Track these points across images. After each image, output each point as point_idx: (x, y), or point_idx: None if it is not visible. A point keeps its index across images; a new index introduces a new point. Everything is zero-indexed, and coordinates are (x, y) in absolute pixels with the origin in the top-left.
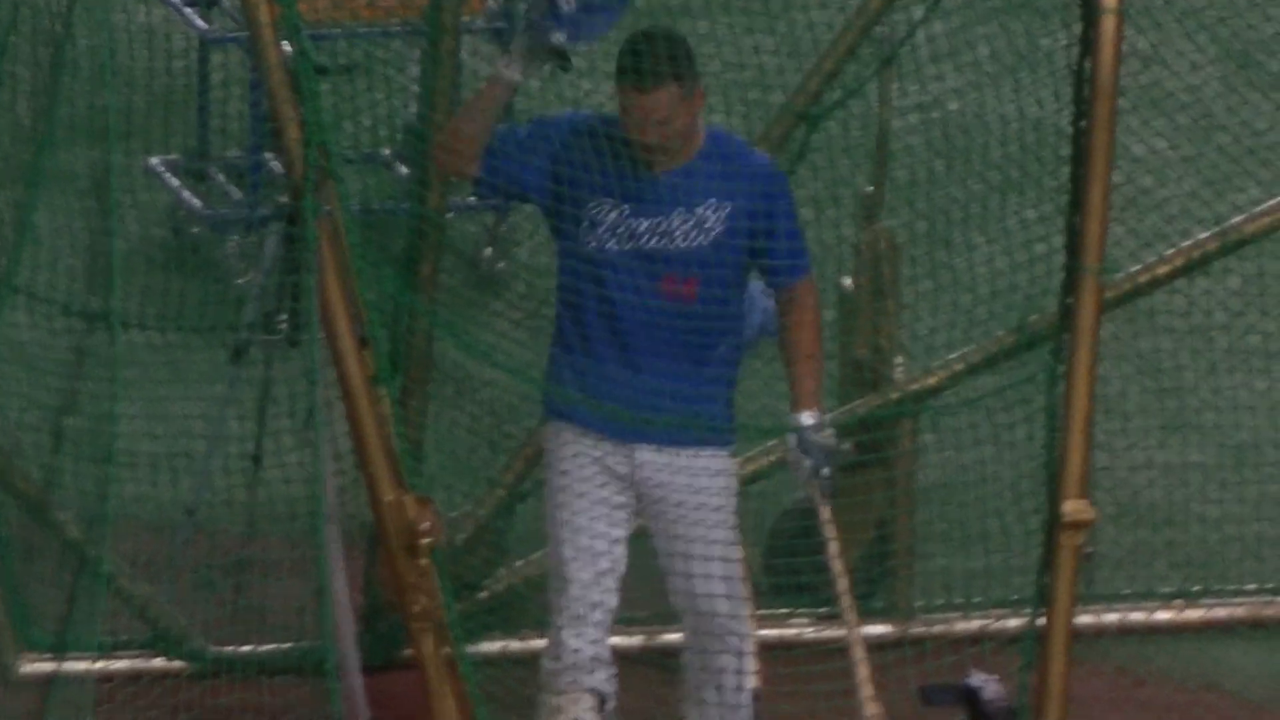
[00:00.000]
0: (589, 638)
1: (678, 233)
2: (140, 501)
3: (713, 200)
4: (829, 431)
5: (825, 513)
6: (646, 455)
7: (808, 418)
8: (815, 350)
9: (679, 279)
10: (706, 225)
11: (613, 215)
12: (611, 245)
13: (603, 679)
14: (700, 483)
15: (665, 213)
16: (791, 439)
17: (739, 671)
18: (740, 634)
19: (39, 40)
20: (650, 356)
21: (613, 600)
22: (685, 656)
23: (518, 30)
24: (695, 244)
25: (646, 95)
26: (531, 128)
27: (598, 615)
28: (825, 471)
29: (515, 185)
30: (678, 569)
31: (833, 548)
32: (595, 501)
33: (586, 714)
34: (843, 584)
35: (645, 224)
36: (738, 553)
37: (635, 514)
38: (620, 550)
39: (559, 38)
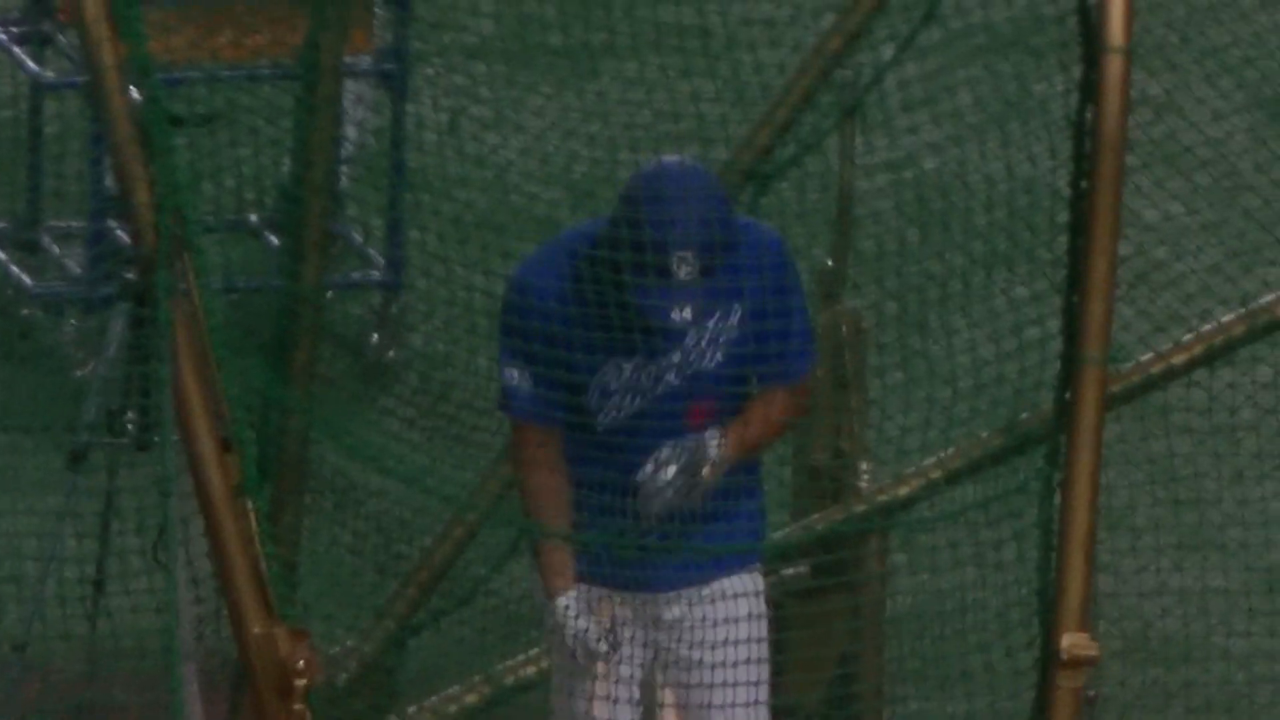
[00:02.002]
0: None
1: (692, 355)
2: None
3: (718, 305)
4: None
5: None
6: (676, 610)
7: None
8: (755, 445)
9: (704, 405)
10: (720, 338)
11: (626, 374)
12: (632, 404)
13: None
14: (730, 610)
15: (680, 340)
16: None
17: None
18: None
19: None
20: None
21: None
22: None
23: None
24: (713, 361)
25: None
26: (507, 342)
27: None
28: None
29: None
30: (695, 701)
31: None
32: (614, 685)
33: None
34: None
35: (662, 364)
36: (765, 685)
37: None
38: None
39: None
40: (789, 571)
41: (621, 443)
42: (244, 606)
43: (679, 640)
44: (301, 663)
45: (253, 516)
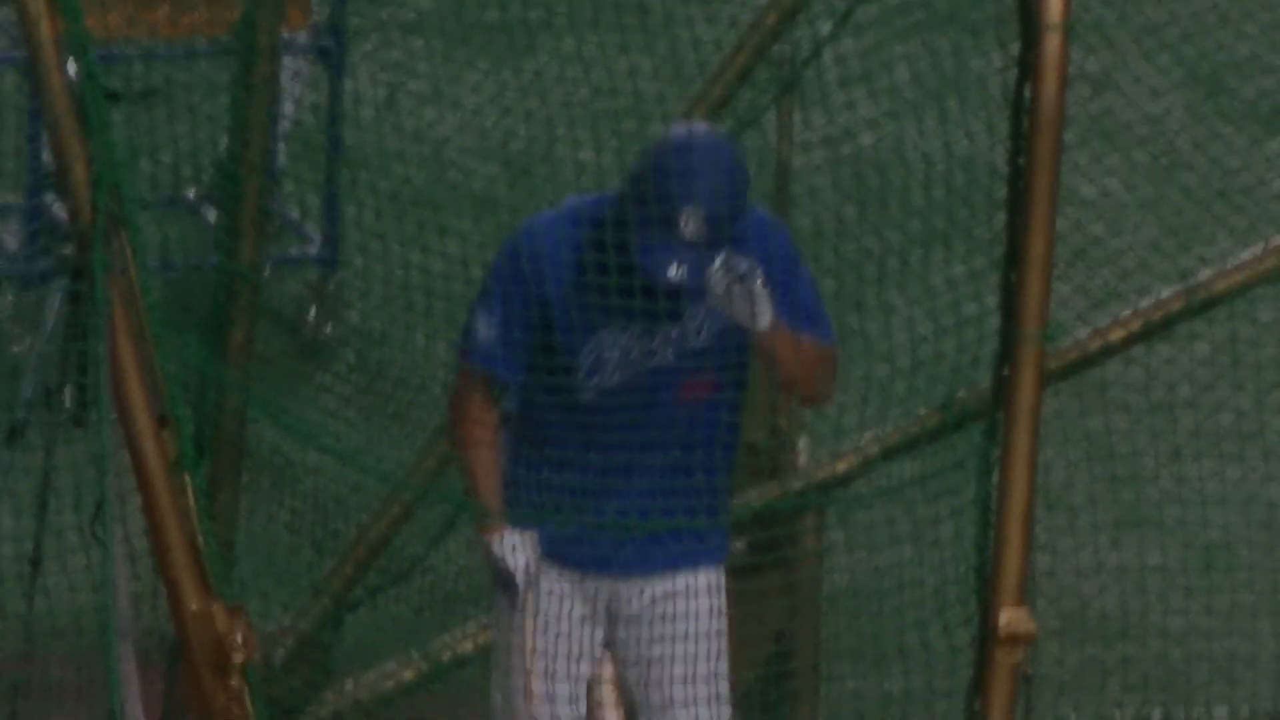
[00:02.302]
0: None
1: (690, 331)
2: None
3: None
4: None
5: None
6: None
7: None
8: (809, 362)
9: (697, 381)
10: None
11: (620, 346)
12: (617, 378)
13: None
14: (692, 606)
15: (679, 313)
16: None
17: None
18: None
19: None
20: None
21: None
22: None
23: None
24: (707, 341)
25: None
26: (496, 287)
27: None
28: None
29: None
30: (654, 700)
31: None
32: (561, 676)
33: None
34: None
35: (659, 338)
36: (725, 679)
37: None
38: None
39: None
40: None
41: (602, 421)
42: (181, 583)
43: (639, 639)
44: (238, 639)
45: (190, 493)
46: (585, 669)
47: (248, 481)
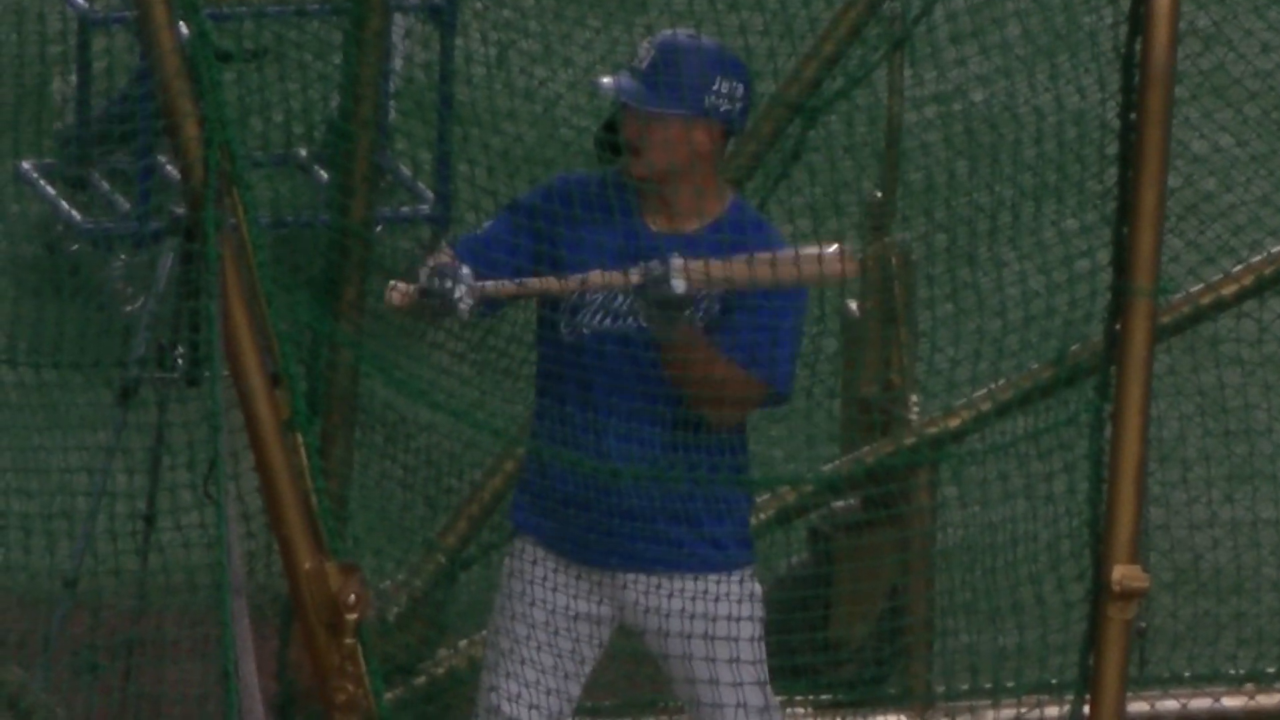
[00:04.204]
0: None
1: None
2: (10, 571)
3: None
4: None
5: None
6: (633, 594)
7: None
8: (708, 368)
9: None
10: (703, 305)
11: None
12: (605, 323)
13: None
14: (706, 610)
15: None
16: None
17: None
18: None
19: None
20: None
21: None
22: None
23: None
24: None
25: (637, 115)
26: (499, 217)
27: None
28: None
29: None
30: (690, 704)
31: None
32: (548, 649)
33: None
34: None
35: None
36: (761, 688)
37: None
38: (569, 707)
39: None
40: (838, 505)
41: (580, 372)
42: (294, 541)
43: (643, 628)
44: (352, 597)
45: (303, 451)
46: (573, 666)
47: (360, 439)
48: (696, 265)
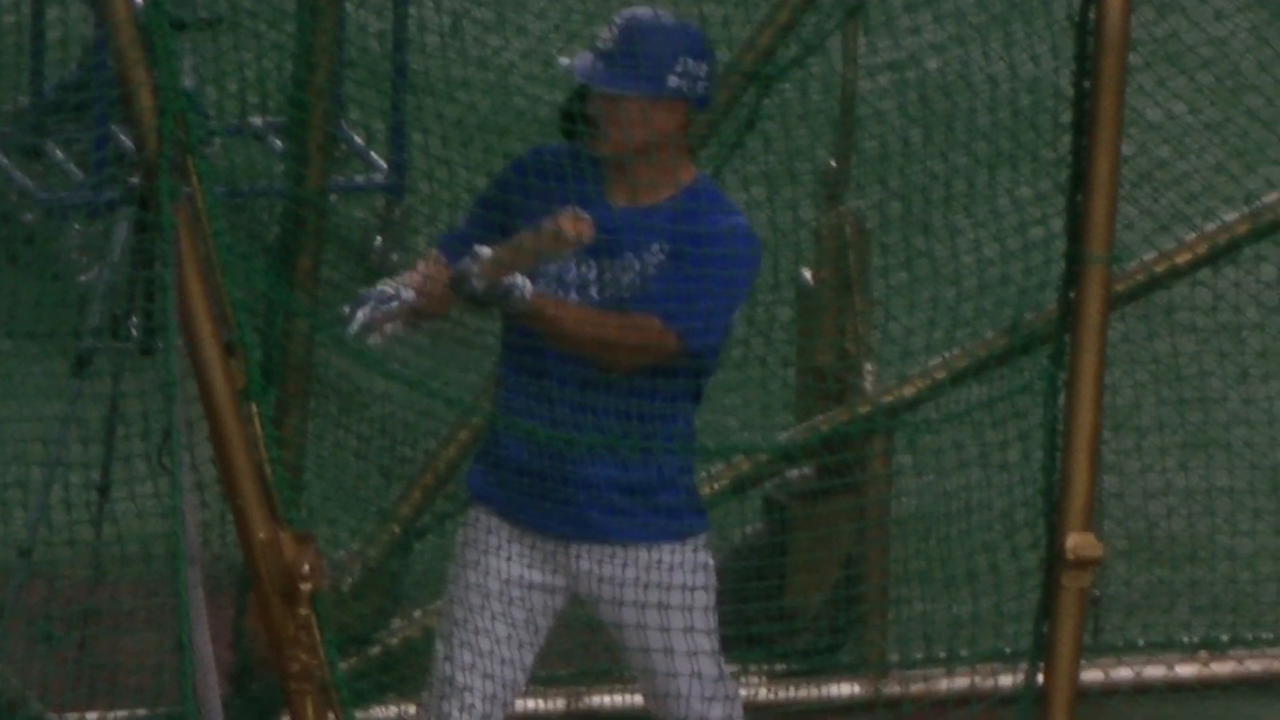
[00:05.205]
0: None
1: (624, 280)
2: None
3: (656, 245)
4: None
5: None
6: (587, 563)
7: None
8: (604, 330)
9: None
10: (649, 273)
11: (559, 263)
12: (558, 294)
13: None
14: (660, 579)
15: (617, 253)
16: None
17: None
18: None
19: None
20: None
21: (500, 715)
22: None
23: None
24: (629, 291)
25: (601, 95)
26: (480, 195)
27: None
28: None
29: None
30: (644, 673)
31: None
32: (502, 618)
33: None
34: None
35: (594, 270)
36: (714, 657)
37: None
38: (523, 676)
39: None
40: (794, 473)
41: (534, 341)
42: (249, 511)
43: (593, 597)
44: (307, 567)
45: (257, 421)
46: (527, 635)
47: (315, 408)
48: (495, 257)
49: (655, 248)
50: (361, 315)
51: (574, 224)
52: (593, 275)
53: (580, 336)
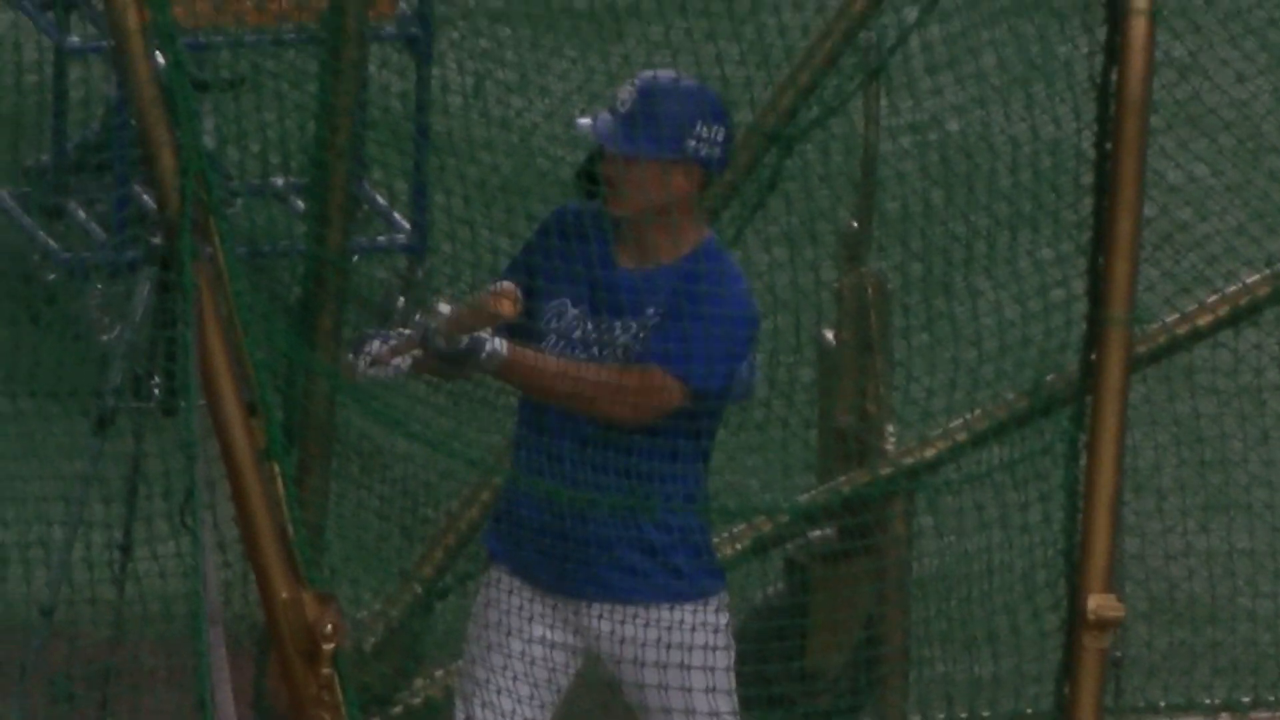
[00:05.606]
0: None
1: (620, 340)
2: None
3: (652, 309)
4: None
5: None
6: (609, 624)
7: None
8: (595, 382)
9: None
10: (645, 334)
11: (566, 319)
12: (565, 352)
13: None
14: (682, 640)
15: (618, 316)
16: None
17: None
18: None
19: None
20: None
21: None
22: None
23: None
24: (632, 353)
25: (616, 157)
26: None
27: None
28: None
29: None
30: None
31: None
32: (524, 678)
33: None
34: None
35: (594, 330)
36: (732, 718)
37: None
38: None
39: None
40: (814, 535)
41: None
42: (270, 571)
43: (612, 658)
44: (328, 627)
45: (279, 481)
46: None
47: (337, 468)
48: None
49: (651, 311)
50: (370, 350)
51: (496, 300)
52: (594, 334)
53: (561, 390)
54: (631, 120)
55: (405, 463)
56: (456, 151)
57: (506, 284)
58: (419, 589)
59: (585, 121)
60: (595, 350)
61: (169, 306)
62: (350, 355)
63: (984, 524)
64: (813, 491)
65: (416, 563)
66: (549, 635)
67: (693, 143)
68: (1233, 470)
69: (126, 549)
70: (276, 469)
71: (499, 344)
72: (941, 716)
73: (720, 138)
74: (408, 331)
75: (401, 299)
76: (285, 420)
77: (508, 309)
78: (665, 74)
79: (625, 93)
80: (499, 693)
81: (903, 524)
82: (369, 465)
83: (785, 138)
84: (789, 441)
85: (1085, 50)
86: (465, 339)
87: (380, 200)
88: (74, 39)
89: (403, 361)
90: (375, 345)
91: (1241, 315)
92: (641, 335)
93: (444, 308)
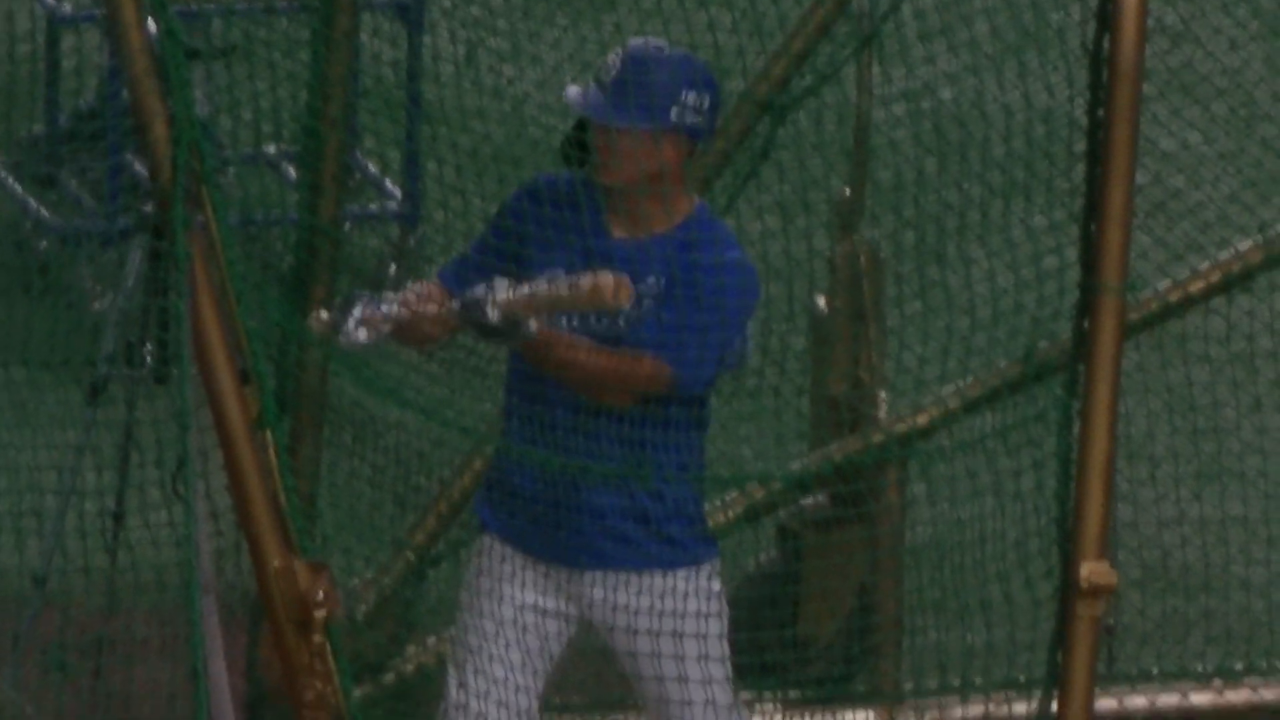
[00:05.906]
0: None
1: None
2: None
3: (652, 278)
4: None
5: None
6: (601, 591)
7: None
8: (599, 367)
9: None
10: (644, 304)
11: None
12: (563, 323)
13: None
14: (675, 607)
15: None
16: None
17: None
18: None
19: None
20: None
21: None
22: None
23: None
24: (622, 319)
25: (604, 127)
26: (488, 226)
27: None
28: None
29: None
30: (657, 701)
31: None
32: (516, 645)
33: None
34: None
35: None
36: (726, 685)
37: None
38: (536, 704)
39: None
40: (807, 502)
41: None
42: (263, 540)
43: (605, 626)
44: (321, 595)
45: (271, 449)
46: (541, 663)
47: (329, 437)
48: (516, 298)
49: (651, 280)
50: (356, 312)
51: (615, 289)
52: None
53: (582, 372)
54: (618, 91)
55: (397, 431)
56: (449, 120)
57: (622, 276)
58: (411, 557)
59: (573, 92)
60: (591, 321)
61: (161, 275)
62: (336, 314)
63: (977, 491)
64: (806, 459)
65: (409, 531)
66: (541, 602)
67: (679, 111)
68: (1225, 438)
69: (119, 518)
70: (269, 438)
71: (533, 321)
72: (934, 684)
73: (705, 106)
74: (394, 295)
75: (394, 267)
76: (278, 389)
77: (626, 300)
78: (650, 43)
79: (612, 62)
80: (491, 660)
81: (896, 492)
82: (361, 434)
83: (778, 106)
84: (782, 410)
85: (1078, 17)
86: (517, 317)
87: (372, 169)
88: (66, 8)
89: (385, 325)
90: (360, 308)
91: (1234, 282)
92: (642, 306)
93: (501, 282)
